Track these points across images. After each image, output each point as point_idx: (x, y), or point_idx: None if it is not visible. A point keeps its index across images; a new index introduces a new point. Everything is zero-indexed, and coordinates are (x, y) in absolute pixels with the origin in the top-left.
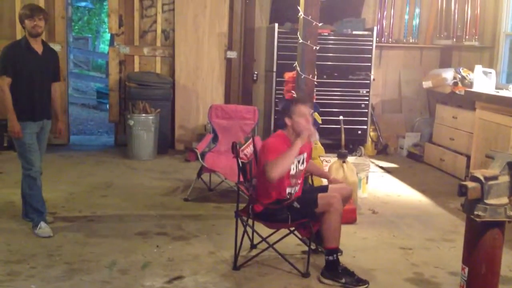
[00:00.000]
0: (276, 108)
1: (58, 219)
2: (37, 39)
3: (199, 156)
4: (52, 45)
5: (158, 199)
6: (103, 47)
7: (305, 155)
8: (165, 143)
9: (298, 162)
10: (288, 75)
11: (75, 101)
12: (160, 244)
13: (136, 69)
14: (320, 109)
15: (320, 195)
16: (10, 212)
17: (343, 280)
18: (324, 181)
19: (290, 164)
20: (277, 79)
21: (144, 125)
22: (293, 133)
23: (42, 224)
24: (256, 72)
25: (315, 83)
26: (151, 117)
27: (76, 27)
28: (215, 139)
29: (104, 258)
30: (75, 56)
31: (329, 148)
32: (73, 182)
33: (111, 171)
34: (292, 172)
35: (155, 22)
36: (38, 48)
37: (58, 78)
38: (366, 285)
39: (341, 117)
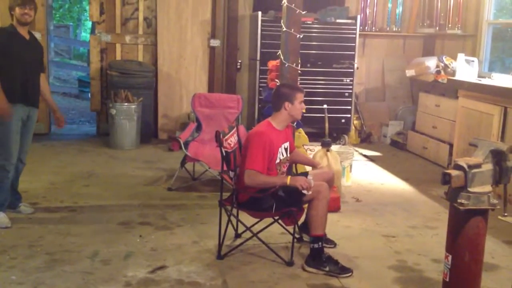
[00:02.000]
0: (260, 97)
1: (39, 209)
2: (25, 28)
3: (182, 145)
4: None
5: (141, 188)
6: (85, 35)
7: (289, 143)
8: (148, 132)
9: (284, 150)
10: (271, 64)
11: (57, 90)
12: (143, 234)
13: (118, 57)
14: (304, 98)
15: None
16: None
17: (327, 268)
18: (308, 168)
19: (267, 186)
20: (261, 67)
21: (126, 114)
22: (289, 118)
23: (0, 214)
24: (239, 61)
25: (299, 71)
26: (133, 106)
27: (57, 15)
28: (198, 128)
29: (86, 249)
30: (56, 44)
31: (313, 137)
32: (55, 172)
33: (93, 160)
34: (277, 161)
35: (137, 9)
36: (25, 35)
37: (43, 69)
38: (350, 273)
39: (325, 106)
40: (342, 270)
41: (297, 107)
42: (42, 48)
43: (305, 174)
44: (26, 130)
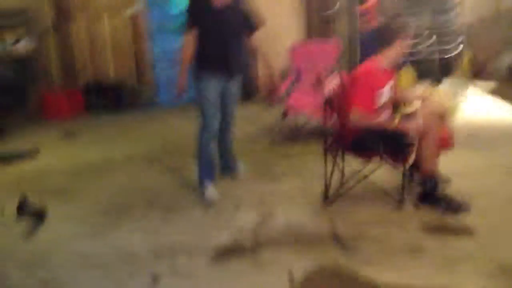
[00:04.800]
0: (360, 37)
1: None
2: None
3: (282, 97)
4: None
5: (244, 145)
6: None
7: (393, 81)
8: (248, 89)
9: (389, 89)
10: (368, 3)
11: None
12: (250, 184)
13: None
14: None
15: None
16: None
17: (442, 206)
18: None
19: (374, 126)
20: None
21: None
22: (399, 55)
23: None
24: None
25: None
26: None
27: None
28: (297, 78)
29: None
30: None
31: (422, 74)
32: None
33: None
34: (382, 101)
35: None
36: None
37: (254, 27)
38: (466, 210)
39: (433, 38)
40: (457, 207)
41: (407, 43)
42: (245, 5)
43: (413, 112)
44: (225, 98)
